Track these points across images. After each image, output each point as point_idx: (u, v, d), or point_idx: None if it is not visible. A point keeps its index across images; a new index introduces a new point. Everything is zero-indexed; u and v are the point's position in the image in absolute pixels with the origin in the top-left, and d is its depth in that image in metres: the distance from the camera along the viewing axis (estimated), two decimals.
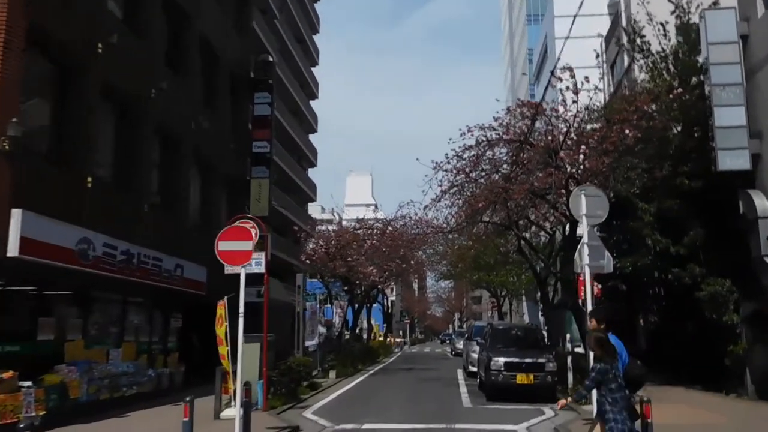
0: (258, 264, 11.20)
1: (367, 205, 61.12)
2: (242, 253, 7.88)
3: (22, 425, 8.31)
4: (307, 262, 19.67)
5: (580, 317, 13.24)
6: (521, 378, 11.56)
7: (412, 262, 22.19)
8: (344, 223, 21.12)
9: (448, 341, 62.26)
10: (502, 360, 11.80)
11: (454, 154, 11.96)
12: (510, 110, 11.88)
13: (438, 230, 14.73)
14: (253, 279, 19.31)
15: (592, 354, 5.87)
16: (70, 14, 10.36)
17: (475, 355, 16.55)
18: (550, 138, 11.29)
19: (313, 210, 36.26)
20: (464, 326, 60.50)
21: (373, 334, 41.03)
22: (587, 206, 8.21)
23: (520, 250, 17.87)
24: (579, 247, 8.31)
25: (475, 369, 16.63)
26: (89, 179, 10.87)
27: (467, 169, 11.93)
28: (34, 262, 9.09)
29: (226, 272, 10.99)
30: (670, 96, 11.26)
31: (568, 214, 13.20)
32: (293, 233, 21.22)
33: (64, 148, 10.52)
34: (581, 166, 11.19)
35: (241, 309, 7.97)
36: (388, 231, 18.62)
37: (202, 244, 12.89)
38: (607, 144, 10.57)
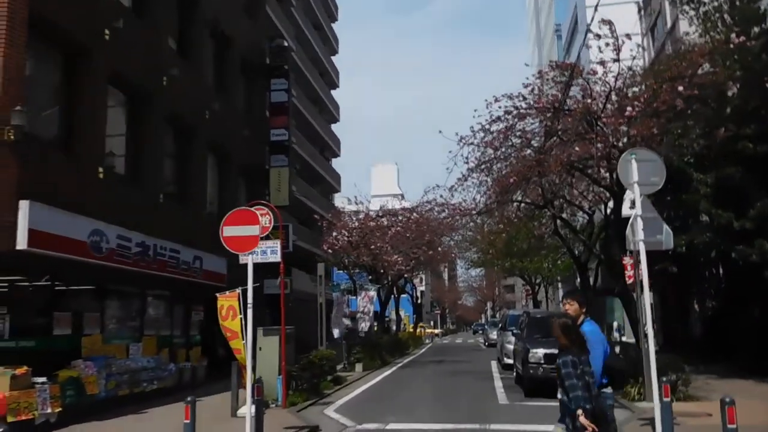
0: (273, 253, 10.46)
1: (394, 195, 60.06)
2: (249, 238, 7.09)
3: (37, 422, 7.90)
4: (329, 251, 18.89)
5: (628, 303, 12.06)
6: None
7: (439, 249, 21.14)
8: (370, 213, 20.21)
9: (480, 331, 61.08)
10: (541, 351, 10.73)
11: (480, 127, 10.86)
12: (542, 74, 10.68)
13: (465, 213, 13.63)
14: (277, 270, 18.73)
15: (510, 347, 4.77)
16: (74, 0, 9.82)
17: (511, 347, 15.50)
18: (589, 101, 10.06)
19: (340, 202, 35.62)
20: (497, 316, 59.12)
21: (402, 325, 40.27)
22: (639, 173, 7.03)
23: (556, 232, 16.62)
24: (631, 220, 7.16)
25: (510, 361, 15.58)
26: (100, 170, 10.36)
27: (496, 143, 10.82)
28: (45, 255, 8.76)
29: (240, 262, 10.31)
30: (731, 46, 9.82)
31: (612, 187, 11.96)
32: (315, 222, 20.47)
33: (73, 139, 10.15)
34: (627, 133, 9.92)
35: (249, 299, 7.20)
36: (413, 217, 17.60)
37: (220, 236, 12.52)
38: (658, 103, 9.26)
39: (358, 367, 16.26)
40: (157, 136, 12.43)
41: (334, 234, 18.60)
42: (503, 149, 11.55)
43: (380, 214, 19.80)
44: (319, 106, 35.13)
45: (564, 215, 17.88)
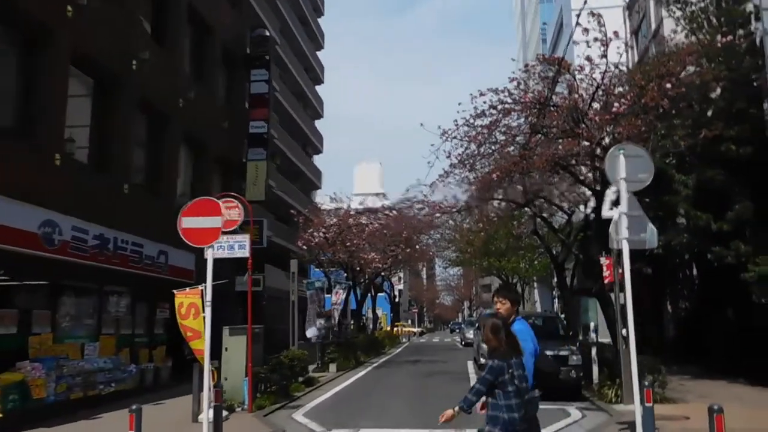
0: (242, 248, 9.94)
1: (376, 194, 59.65)
2: (209, 231, 6.58)
3: None
4: (304, 247, 18.35)
5: (606, 304, 11.88)
6: None
7: (417, 246, 20.80)
8: (350, 210, 19.68)
9: (457, 330, 61.16)
10: None
11: (464, 121, 10.50)
12: (528, 68, 10.36)
13: (445, 211, 13.29)
14: (245, 266, 18.04)
15: (485, 346, 4.41)
16: None
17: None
18: (576, 96, 9.77)
19: (321, 200, 35.12)
20: (474, 315, 59.26)
21: (379, 324, 39.90)
22: (627, 168, 6.76)
23: (535, 232, 16.45)
24: (615, 218, 6.87)
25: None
26: (57, 156, 9.65)
27: (480, 138, 10.47)
28: None
29: (205, 256, 9.76)
30: (719, 45, 9.65)
31: (593, 186, 11.76)
32: (290, 216, 19.89)
33: (28, 123, 9.41)
34: (612, 132, 9.68)
35: (208, 297, 6.68)
36: (392, 214, 17.20)
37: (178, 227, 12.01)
38: (646, 100, 9.02)
39: (332, 367, 15.81)
40: (124, 122, 11.74)
41: (310, 230, 18.07)
42: (486, 145, 11.22)
43: (359, 212, 19.33)
44: (303, 101, 34.56)
45: (543, 215, 17.75)
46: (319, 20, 38.54)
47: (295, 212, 19.54)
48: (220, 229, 6.64)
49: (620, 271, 10.23)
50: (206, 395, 6.56)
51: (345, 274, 19.91)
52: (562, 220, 21.23)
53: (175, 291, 8.80)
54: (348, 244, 17.22)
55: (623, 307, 10.09)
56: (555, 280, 25.25)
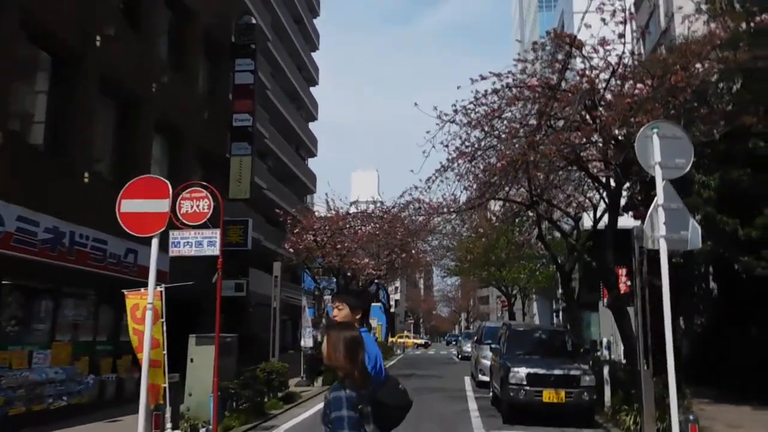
0: (212, 245, 8.70)
1: (373, 202, 58.26)
2: (154, 217, 5.41)
3: None
4: (291, 250, 17.09)
5: (621, 317, 10.70)
6: (549, 395, 8.96)
7: (413, 251, 19.55)
8: (341, 212, 18.42)
9: (454, 343, 59.70)
10: (523, 371, 9.21)
11: (462, 108, 9.35)
12: (536, 47, 9.22)
13: (443, 212, 12.09)
14: (233, 270, 16.78)
15: (486, 362, 3.02)
16: None
17: (487, 362, 13.97)
18: (592, 75, 8.65)
19: (318, 206, 34.04)
20: (471, 327, 57.82)
21: (373, 335, 38.52)
22: (662, 152, 5.60)
23: (540, 237, 15.24)
24: (650, 211, 5.70)
25: (486, 378, 14.05)
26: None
27: (483, 122, 9.31)
28: None
29: (170, 254, 8.60)
30: (751, 25, 8.56)
31: (608, 185, 10.61)
32: (281, 220, 18.66)
33: None
34: (632, 119, 8.52)
35: (150, 298, 5.46)
36: (385, 217, 15.96)
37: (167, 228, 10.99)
38: (676, 78, 7.86)
39: (319, 381, 14.52)
40: (85, 102, 10.54)
41: (296, 230, 16.81)
42: (488, 138, 10.06)
43: (354, 216, 18.03)
44: (296, 102, 33.57)
45: (552, 217, 16.57)
46: (314, 21, 37.67)
47: (281, 212, 18.27)
48: (167, 214, 5.44)
49: (641, 279, 9.13)
50: (141, 419, 5.28)
51: (335, 280, 18.66)
52: (566, 226, 20.08)
53: (125, 291, 7.62)
54: (339, 246, 15.95)
55: (644, 320, 8.93)
56: (560, 291, 24.11)
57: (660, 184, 5.57)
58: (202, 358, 9.03)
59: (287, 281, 27.32)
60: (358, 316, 3.24)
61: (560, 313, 34.93)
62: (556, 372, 9.17)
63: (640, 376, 8.76)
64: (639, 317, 8.88)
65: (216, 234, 8.80)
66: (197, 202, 8.87)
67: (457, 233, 18.19)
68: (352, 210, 16.99)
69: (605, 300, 22.52)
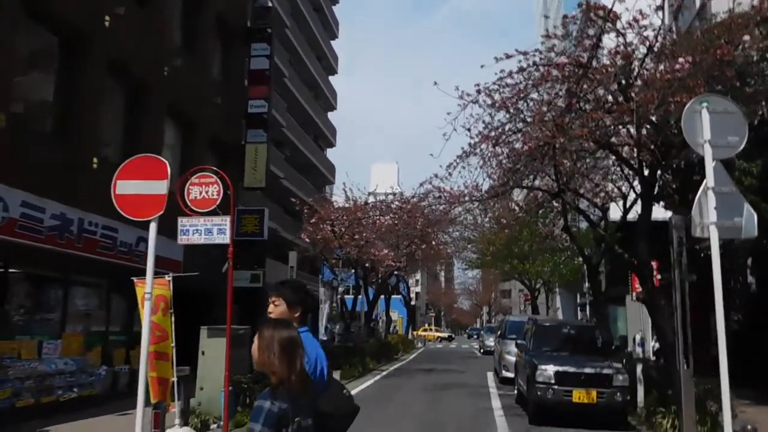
0: (221, 232, 8.33)
1: (393, 192, 57.62)
2: (152, 199, 5.00)
3: None
4: (307, 240, 16.70)
5: (656, 312, 10.02)
6: (579, 395, 8.36)
7: (433, 242, 18.97)
8: (359, 202, 17.91)
9: (475, 336, 58.97)
10: (551, 369, 8.62)
11: (485, 89, 8.74)
12: (566, 21, 8.53)
13: (464, 201, 11.49)
14: (248, 260, 16.42)
15: (510, 358, 2.44)
16: None
17: (511, 359, 13.40)
18: (628, 49, 7.95)
19: (337, 197, 33.71)
20: (493, 321, 57.02)
21: (394, 328, 38.20)
22: (713, 128, 4.95)
23: (566, 229, 14.52)
24: (698, 196, 5.06)
25: (510, 374, 13.49)
26: (2, 118, 8.18)
27: (509, 104, 8.69)
28: None
29: (179, 241, 8.27)
30: None
31: (641, 171, 9.88)
32: (293, 205, 18.27)
33: None
34: (669, 101, 7.81)
35: (148, 288, 5.09)
36: (405, 207, 15.39)
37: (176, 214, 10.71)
38: (722, 51, 7.12)
39: (335, 376, 14.14)
40: (93, 85, 10.25)
41: (312, 220, 16.40)
42: (514, 122, 9.42)
43: (373, 205, 17.49)
44: (315, 91, 33.13)
45: (579, 206, 15.83)
46: (333, 8, 37.09)
47: (297, 201, 17.88)
48: (165, 196, 5.03)
49: (680, 271, 8.45)
50: (138, 420, 4.92)
51: (352, 271, 18.23)
52: (593, 217, 19.24)
53: (135, 279, 7.34)
54: (357, 237, 15.49)
55: (684, 316, 8.26)
56: (586, 284, 23.27)
57: (710, 165, 4.90)
58: (213, 351, 8.70)
59: (306, 273, 27.14)
60: (297, 314, 2.74)
61: (585, 308, 33.98)
62: (587, 370, 8.57)
63: (677, 376, 8.13)
64: (678, 313, 8.21)
65: (226, 221, 8.41)
66: (206, 188, 8.52)
67: (479, 224, 17.56)
68: (371, 200, 16.44)
69: (634, 294, 21.65)
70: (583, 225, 17.93)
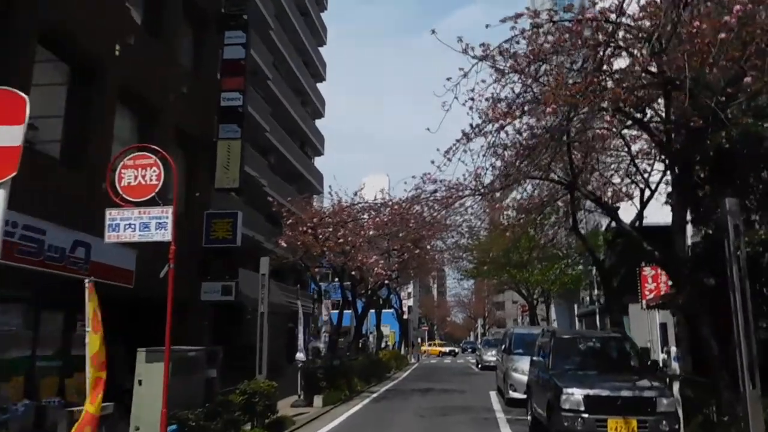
0: (162, 227, 6.60)
1: (382, 198, 55.83)
2: (1, 153, 3.26)
3: None
4: (284, 245, 14.91)
5: (695, 322, 8.44)
6: (616, 425, 6.66)
7: (428, 246, 17.23)
8: (343, 203, 16.17)
9: (470, 350, 57.01)
10: (580, 392, 6.92)
11: (497, 47, 7.16)
12: None
13: (465, 193, 9.83)
14: (220, 270, 14.47)
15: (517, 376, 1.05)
16: None
17: (520, 377, 11.69)
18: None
19: (326, 203, 32.00)
20: (487, 334, 55.16)
21: (386, 343, 36.34)
22: None
23: (574, 228, 12.95)
24: None
25: (518, 395, 11.77)
26: None
27: (524, 70, 7.10)
28: None
29: (106, 239, 6.66)
30: None
31: (671, 150, 8.34)
32: (270, 207, 16.50)
33: None
34: (720, 57, 6.30)
35: None
36: (395, 208, 13.66)
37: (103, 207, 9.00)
38: None
39: (318, 400, 12.29)
40: (22, 58, 8.50)
41: (290, 221, 14.62)
42: (528, 91, 7.81)
43: (361, 207, 15.63)
44: (302, 96, 31.79)
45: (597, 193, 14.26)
46: (322, 14, 35.94)
47: (274, 202, 16.11)
48: (20, 149, 3.29)
49: (738, 269, 6.85)
50: None
51: (336, 280, 16.44)
52: (601, 219, 17.78)
53: (88, 282, 5.83)
54: (341, 241, 13.71)
55: (746, 325, 6.64)
56: (596, 292, 21.71)
57: None
58: (154, 379, 6.89)
59: (291, 285, 25.25)
60: None
61: (583, 318, 32.37)
62: (624, 393, 6.88)
63: (742, 398, 6.48)
64: (739, 319, 6.59)
65: (168, 213, 6.69)
66: (143, 171, 6.78)
67: (474, 231, 15.86)
68: (358, 201, 14.71)
69: (644, 302, 20.05)
70: (588, 227, 16.36)
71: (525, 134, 8.21)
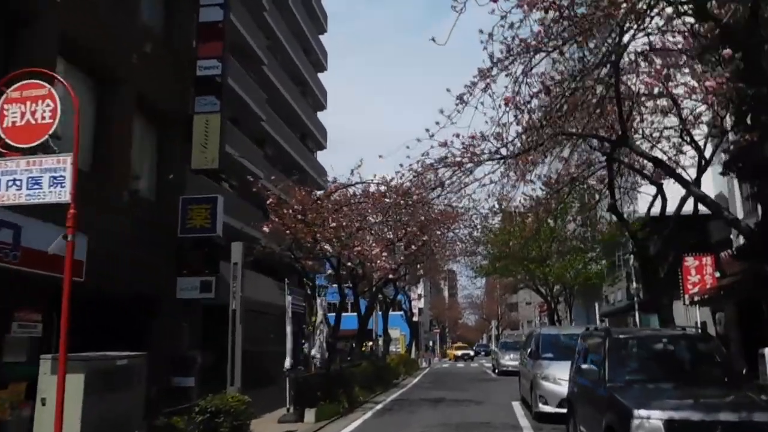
0: (57, 184, 4.66)
1: (384, 181, 53.69)
2: None
3: None
4: (266, 230, 12.90)
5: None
6: None
7: (438, 232, 15.09)
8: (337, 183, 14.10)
9: (483, 353, 54.72)
10: (658, 416, 4.83)
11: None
12: None
13: (485, 158, 7.79)
14: (198, 264, 12.55)
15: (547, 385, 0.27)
16: None
17: (554, 387, 9.62)
18: None
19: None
20: (501, 336, 52.85)
21: (396, 347, 34.37)
22: None
23: (612, 207, 10.90)
24: None
25: (549, 409, 9.71)
26: None
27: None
28: None
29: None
30: None
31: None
32: (244, 184, 14.52)
33: None
34: None
35: None
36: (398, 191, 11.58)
37: (89, 199, 7.77)
38: None
39: (309, 414, 10.28)
40: None
41: (269, 201, 12.60)
42: (562, 21, 5.84)
43: (363, 192, 13.53)
44: (302, 86, 30.12)
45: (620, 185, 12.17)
46: (321, 0, 34.23)
47: (253, 180, 14.10)
48: None
49: None
50: None
51: (330, 272, 14.45)
52: (629, 210, 15.75)
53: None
54: (335, 225, 11.67)
55: None
56: (633, 285, 19.51)
57: None
58: (69, 394, 4.94)
59: (291, 284, 23.26)
60: None
61: (606, 318, 30.08)
62: (724, 417, 4.77)
63: None
64: None
65: (66, 164, 4.75)
66: (33, 105, 4.84)
67: (495, 210, 13.75)
68: (356, 181, 12.65)
69: (686, 297, 17.81)
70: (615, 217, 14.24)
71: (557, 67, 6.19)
